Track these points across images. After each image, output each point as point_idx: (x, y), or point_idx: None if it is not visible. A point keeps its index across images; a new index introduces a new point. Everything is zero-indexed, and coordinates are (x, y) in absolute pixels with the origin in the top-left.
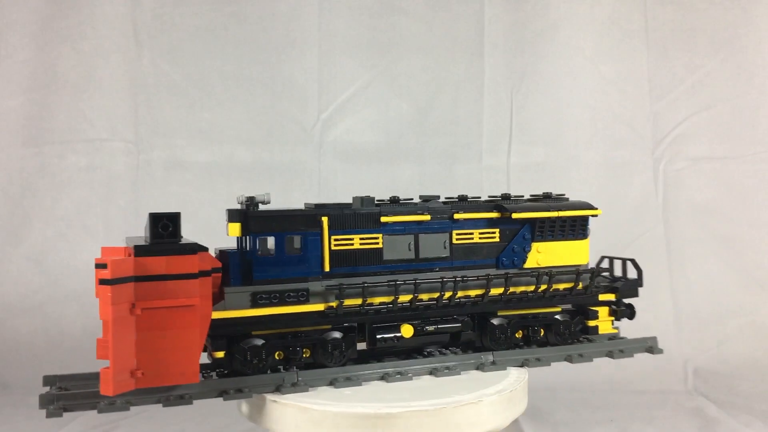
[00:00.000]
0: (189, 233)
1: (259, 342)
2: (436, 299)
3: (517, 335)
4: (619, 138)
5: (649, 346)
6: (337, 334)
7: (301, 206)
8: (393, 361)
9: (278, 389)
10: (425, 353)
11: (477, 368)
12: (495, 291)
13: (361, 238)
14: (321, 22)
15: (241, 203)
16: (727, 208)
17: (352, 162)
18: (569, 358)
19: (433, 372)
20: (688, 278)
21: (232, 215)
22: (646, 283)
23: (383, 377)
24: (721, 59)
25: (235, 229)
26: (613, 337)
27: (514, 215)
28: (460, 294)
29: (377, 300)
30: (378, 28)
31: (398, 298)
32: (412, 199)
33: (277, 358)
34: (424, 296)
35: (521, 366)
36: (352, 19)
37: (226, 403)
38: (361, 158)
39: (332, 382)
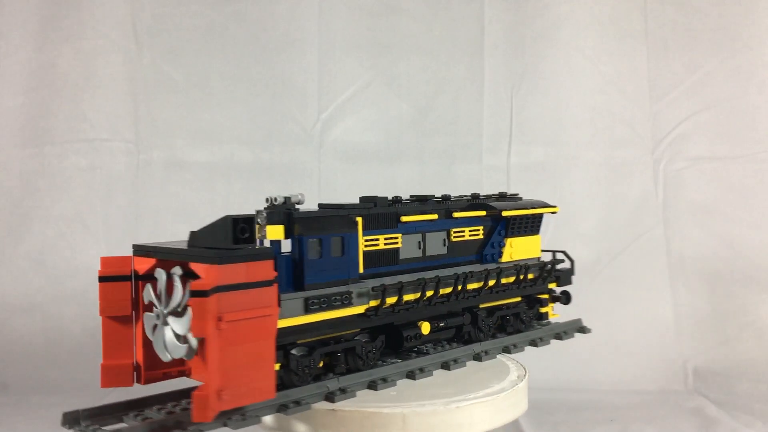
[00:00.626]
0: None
1: (306, 350)
2: (448, 295)
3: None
4: (619, 138)
5: (581, 327)
6: (368, 336)
7: (311, 207)
8: (396, 361)
9: (328, 398)
10: (416, 349)
11: (474, 358)
12: (490, 284)
13: (385, 238)
14: (321, 22)
15: (278, 204)
16: (727, 208)
17: (352, 162)
18: (533, 343)
19: (444, 366)
20: (688, 278)
21: (274, 217)
22: (646, 282)
23: (409, 375)
24: (721, 59)
25: (278, 231)
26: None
27: (504, 213)
28: (467, 288)
29: (405, 298)
30: (378, 28)
31: (425, 295)
32: (410, 198)
33: (320, 365)
34: (441, 292)
35: (502, 352)
36: (351, 19)
37: None
38: (361, 158)
39: (371, 385)
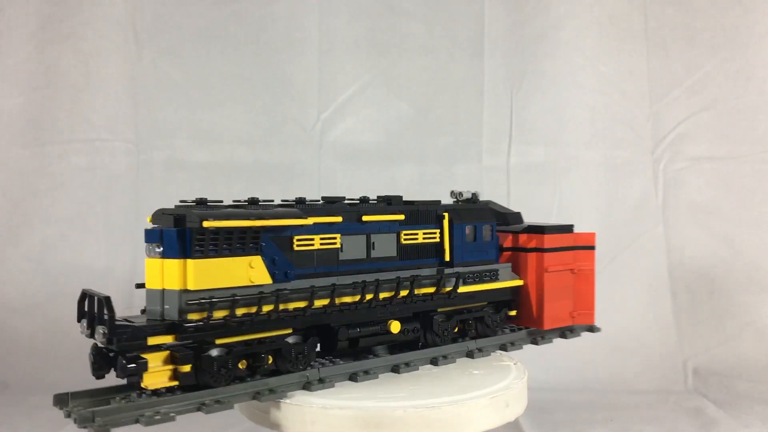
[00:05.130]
0: None
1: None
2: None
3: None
4: (619, 138)
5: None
6: None
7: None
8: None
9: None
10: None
11: (467, 355)
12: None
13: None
14: (321, 22)
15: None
16: (727, 208)
17: (352, 162)
18: (503, 347)
19: (433, 361)
20: (688, 278)
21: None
22: (646, 282)
23: (393, 369)
24: (721, 59)
25: None
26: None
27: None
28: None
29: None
30: (378, 28)
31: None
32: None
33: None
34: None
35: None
36: (352, 20)
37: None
38: (361, 158)
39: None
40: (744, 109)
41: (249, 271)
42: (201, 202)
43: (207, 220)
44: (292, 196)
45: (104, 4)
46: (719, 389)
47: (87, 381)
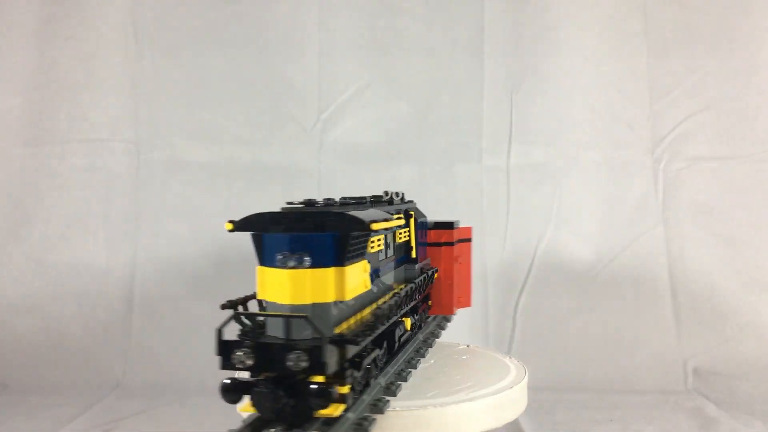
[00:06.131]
0: (189, 232)
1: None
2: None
3: None
4: (619, 138)
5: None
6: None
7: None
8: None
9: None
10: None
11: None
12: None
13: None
14: (321, 22)
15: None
16: (727, 208)
17: (352, 162)
18: (436, 335)
19: (419, 351)
20: (688, 278)
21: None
22: (646, 283)
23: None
24: (721, 59)
25: None
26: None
27: None
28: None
29: None
30: (378, 28)
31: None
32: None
33: None
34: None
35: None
36: (351, 19)
37: (226, 403)
38: (361, 158)
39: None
40: (744, 109)
41: (363, 275)
42: (310, 204)
43: (376, 222)
44: (292, 196)
45: (104, 4)
46: (719, 389)
47: (86, 381)
